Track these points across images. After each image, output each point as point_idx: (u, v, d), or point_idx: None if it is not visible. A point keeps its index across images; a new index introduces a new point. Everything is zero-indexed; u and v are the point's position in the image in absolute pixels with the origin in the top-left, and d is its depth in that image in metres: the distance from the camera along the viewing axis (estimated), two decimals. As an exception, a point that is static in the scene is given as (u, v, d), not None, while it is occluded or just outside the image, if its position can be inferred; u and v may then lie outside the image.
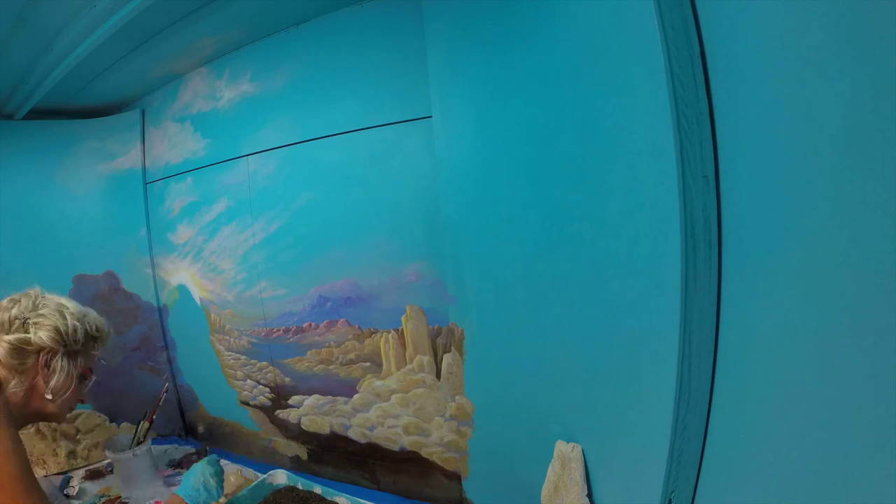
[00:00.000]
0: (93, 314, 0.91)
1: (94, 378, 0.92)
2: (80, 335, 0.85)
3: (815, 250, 0.40)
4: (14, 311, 0.81)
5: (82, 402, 0.92)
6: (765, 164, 0.44)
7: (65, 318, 0.84)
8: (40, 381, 0.81)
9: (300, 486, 1.19)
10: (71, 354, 0.85)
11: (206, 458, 1.10)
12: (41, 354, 0.81)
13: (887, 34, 0.33)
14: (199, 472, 1.04)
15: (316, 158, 1.20)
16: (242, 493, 1.15)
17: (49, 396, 0.82)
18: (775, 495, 0.45)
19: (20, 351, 0.79)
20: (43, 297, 0.86)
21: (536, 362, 0.84)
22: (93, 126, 1.62)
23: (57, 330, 0.82)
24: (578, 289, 0.70)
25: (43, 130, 1.58)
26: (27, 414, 0.83)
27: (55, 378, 0.82)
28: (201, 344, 1.55)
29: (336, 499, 1.12)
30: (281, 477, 1.23)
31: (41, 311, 0.83)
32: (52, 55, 1.21)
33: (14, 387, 0.79)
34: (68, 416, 1.42)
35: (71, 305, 0.87)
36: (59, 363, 0.83)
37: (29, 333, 0.80)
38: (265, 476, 1.21)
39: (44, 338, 0.80)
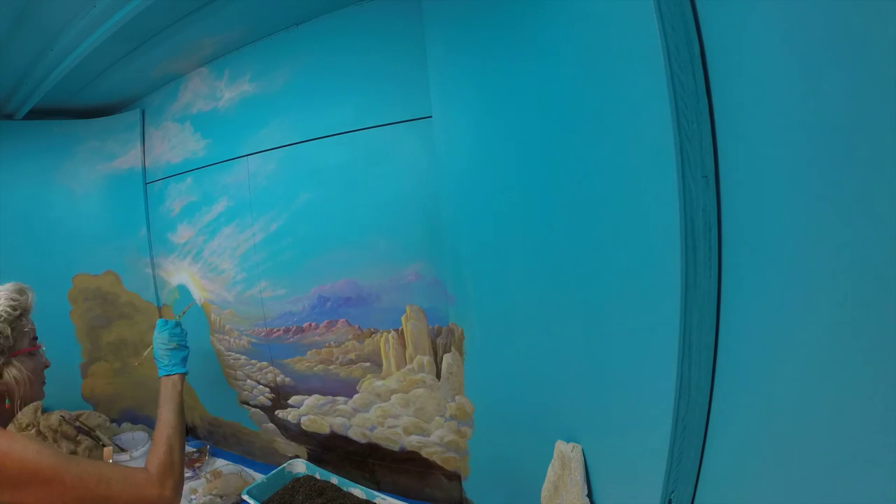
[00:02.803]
0: None
1: (41, 346, 0.81)
2: (2, 329, 0.72)
3: (815, 250, 0.40)
4: None
5: (47, 366, 0.82)
6: (765, 164, 0.44)
7: None
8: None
9: (318, 476, 1.22)
10: (9, 353, 0.73)
11: (155, 335, 1.04)
12: None
13: (887, 34, 0.33)
14: (157, 346, 1.01)
15: (316, 158, 1.20)
16: (262, 479, 1.19)
17: (18, 403, 0.73)
18: (775, 495, 0.45)
19: None
20: None
21: (536, 362, 0.84)
22: (93, 126, 1.63)
23: None
24: (578, 289, 0.70)
25: (43, 130, 1.58)
26: (11, 414, 0.75)
27: (16, 390, 0.72)
28: (201, 344, 1.54)
29: (351, 490, 1.14)
30: (300, 466, 1.26)
31: None
32: (52, 55, 1.22)
33: None
34: (70, 413, 1.45)
35: None
36: (5, 375, 0.72)
37: None
38: (285, 464, 1.24)
39: None
